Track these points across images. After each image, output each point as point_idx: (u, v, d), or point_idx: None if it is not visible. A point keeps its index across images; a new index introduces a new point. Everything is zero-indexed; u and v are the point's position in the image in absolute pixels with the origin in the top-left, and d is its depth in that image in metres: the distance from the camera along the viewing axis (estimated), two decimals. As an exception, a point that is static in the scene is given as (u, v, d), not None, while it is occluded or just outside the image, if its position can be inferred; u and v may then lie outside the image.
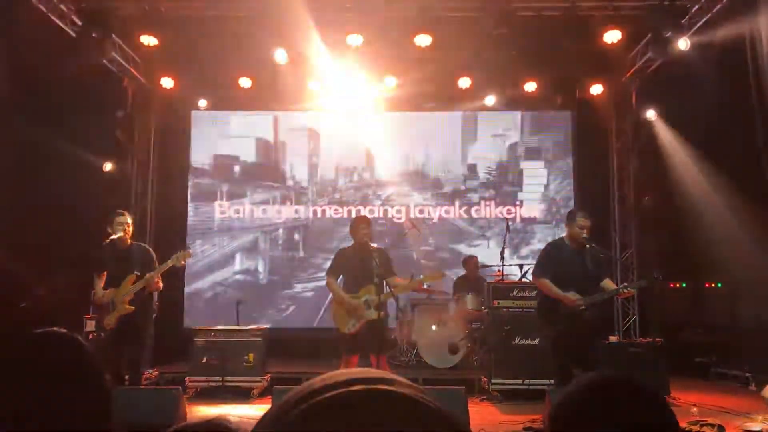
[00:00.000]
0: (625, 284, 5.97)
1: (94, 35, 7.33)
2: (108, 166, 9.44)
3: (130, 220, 6.15)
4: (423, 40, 7.94)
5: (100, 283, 6.01)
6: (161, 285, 6.21)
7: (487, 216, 10.38)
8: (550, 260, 5.73)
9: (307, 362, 8.36)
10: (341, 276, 6.41)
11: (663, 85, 8.81)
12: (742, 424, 5.38)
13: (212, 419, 1.31)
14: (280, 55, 8.46)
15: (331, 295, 6.60)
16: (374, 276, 6.08)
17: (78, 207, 8.10)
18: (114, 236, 5.99)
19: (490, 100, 9.69)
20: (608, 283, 5.72)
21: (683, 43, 7.55)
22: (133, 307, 5.90)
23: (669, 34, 7.67)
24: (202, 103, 9.96)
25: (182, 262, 6.39)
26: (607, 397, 1.01)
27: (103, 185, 9.10)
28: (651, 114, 9.39)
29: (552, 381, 6.05)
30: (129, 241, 6.15)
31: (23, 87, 7.50)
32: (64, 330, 1.41)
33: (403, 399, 0.51)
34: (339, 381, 0.53)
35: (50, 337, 1.39)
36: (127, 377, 5.94)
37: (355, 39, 8.01)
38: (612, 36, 8.00)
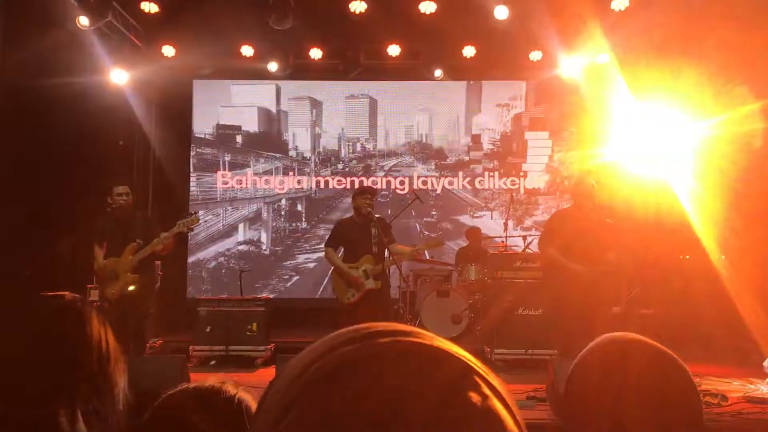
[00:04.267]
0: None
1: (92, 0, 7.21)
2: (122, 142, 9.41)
3: (129, 190, 6.12)
4: (428, 6, 7.84)
5: (100, 254, 6.00)
6: (170, 247, 6.22)
7: (491, 187, 10.33)
8: (556, 230, 5.72)
9: (311, 332, 8.38)
10: (341, 247, 6.39)
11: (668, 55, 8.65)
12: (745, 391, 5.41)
13: (214, 382, 1.29)
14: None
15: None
16: (372, 245, 6.07)
17: (80, 175, 8.05)
18: (114, 206, 5.98)
19: (494, 69, 9.56)
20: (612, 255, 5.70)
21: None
22: (137, 275, 5.91)
23: None
24: (204, 71, 9.83)
25: (190, 228, 6.34)
26: (625, 357, 0.98)
27: (105, 154, 9.04)
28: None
29: (555, 351, 6.06)
30: (130, 210, 6.14)
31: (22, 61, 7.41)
32: (70, 295, 1.39)
33: (433, 350, 0.48)
34: (363, 334, 0.50)
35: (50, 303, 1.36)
36: (131, 346, 5.96)
37: (358, 5, 7.90)
38: (619, 3, 7.87)
